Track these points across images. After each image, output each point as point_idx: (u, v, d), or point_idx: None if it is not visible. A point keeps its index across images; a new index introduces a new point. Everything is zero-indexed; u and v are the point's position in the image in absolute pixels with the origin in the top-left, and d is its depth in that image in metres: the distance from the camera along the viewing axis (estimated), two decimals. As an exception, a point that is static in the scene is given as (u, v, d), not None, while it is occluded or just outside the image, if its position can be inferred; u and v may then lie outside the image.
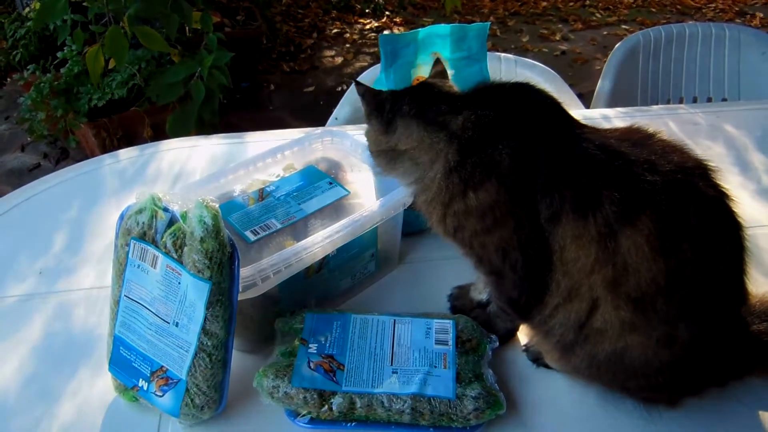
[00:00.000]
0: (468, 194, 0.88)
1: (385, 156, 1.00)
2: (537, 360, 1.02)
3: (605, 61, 2.13)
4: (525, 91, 0.94)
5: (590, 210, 0.82)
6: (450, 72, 1.16)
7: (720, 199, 0.85)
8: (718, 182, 0.86)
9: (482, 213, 0.88)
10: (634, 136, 0.89)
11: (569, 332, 0.89)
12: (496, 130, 0.88)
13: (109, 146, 3.03)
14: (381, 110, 0.98)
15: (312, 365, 0.93)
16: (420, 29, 1.16)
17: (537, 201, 0.85)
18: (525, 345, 1.05)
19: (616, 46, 2.12)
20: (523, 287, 0.91)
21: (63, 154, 3.36)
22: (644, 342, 0.84)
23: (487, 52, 1.22)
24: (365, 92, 1.01)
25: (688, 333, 0.84)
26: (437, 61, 1.06)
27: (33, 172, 3.25)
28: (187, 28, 2.99)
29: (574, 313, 0.87)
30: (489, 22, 1.20)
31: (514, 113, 0.90)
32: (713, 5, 5.58)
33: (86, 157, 3.09)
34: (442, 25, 1.16)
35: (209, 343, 0.88)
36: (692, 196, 0.83)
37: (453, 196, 0.90)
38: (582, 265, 0.83)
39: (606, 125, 1.50)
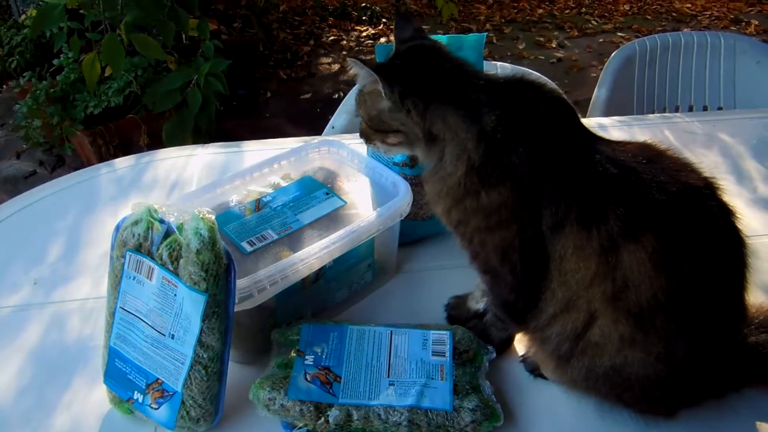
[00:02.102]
0: (481, 194, 0.87)
1: (403, 135, 0.94)
2: (534, 371, 1.02)
3: (601, 69, 2.13)
4: (544, 93, 0.92)
5: (595, 223, 0.81)
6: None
7: (725, 218, 0.85)
8: (724, 200, 0.86)
9: (488, 212, 0.88)
10: (647, 152, 0.89)
11: (565, 342, 0.89)
12: (520, 133, 0.87)
13: (105, 154, 3.02)
14: (415, 91, 0.90)
15: (308, 377, 0.93)
16: (417, 40, 1.15)
17: (542, 207, 0.85)
18: (522, 355, 1.04)
19: (612, 54, 2.12)
20: (520, 290, 0.91)
21: (59, 162, 3.35)
22: (643, 357, 0.84)
23: (484, 62, 1.22)
24: (387, 73, 0.91)
25: (686, 349, 0.84)
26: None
27: (29, 180, 3.23)
28: (183, 35, 2.99)
29: (570, 323, 0.87)
30: (485, 33, 1.20)
31: (537, 117, 0.89)
32: (708, 13, 5.60)
33: (82, 165, 3.11)
34: (439, 35, 1.16)
35: (205, 356, 0.87)
36: (698, 217, 0.83)
37: (467, 193, 0.89)
38: (581, 276, 0.83)
39: (602, 134, 1.49)
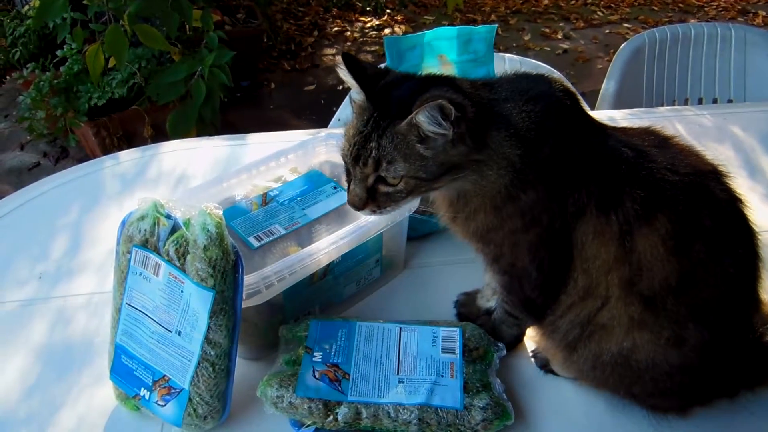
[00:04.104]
0: (520, 195, 0.85)
1: (456, 171, 0.84)
2: (544, 366, 1.01)
3: (607, 60, 2.12)
4: (551, 85, 0.89)
5: (612, 207, 0.81)
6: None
7: (734, 204, 0.86)
8: (732, 187, 0.86)
9: (524, 212, 0.86)
10: (653, 137, 0.89)
11: (575, 329, 0.89)
12: (545, 128, 0.85)
13: (109, 145, 3.01)
14: (480, 129, 0.83)
15: (317, 374, 0.92)
16: (426, 32, 1.14)
17: (567, 196, 0.84)
18: (533, 351, 1.03)
19: (621, 46, 2.10)
20: (544, 287, 0.90)
21: (63, 153, 3.34)
22: (653, 340, 0.83)
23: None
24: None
25: (698, 335, 0.83)
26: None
27: (33, 171, 3.22)
28: (187, 26, 2.96)
29: (585, 311, 0.87)
30: (496, 25, 1.19)
31: (553, 109, 0.87)
32: (716, 3, 5.54)
33: (86, 156, 3.09)
34: (448, 27, 1.14)
35: (212, 353, 0.86)
36: (707, 199, 0.83)
37: (509, 198, 0.85)
38: (602, 263, 0.83)
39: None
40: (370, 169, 0.85)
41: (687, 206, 0.81)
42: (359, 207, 0.89)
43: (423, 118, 0.78)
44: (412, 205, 1.05)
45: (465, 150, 0.82)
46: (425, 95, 0.81)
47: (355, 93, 0.89)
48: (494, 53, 1.44)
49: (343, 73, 0.87)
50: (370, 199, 0.88)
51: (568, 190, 0.84)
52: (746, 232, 0.86)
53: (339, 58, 0.87)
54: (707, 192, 0.84)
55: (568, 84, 0.92)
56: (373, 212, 0.89)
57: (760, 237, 0.88)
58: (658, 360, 0.84)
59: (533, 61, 1.93)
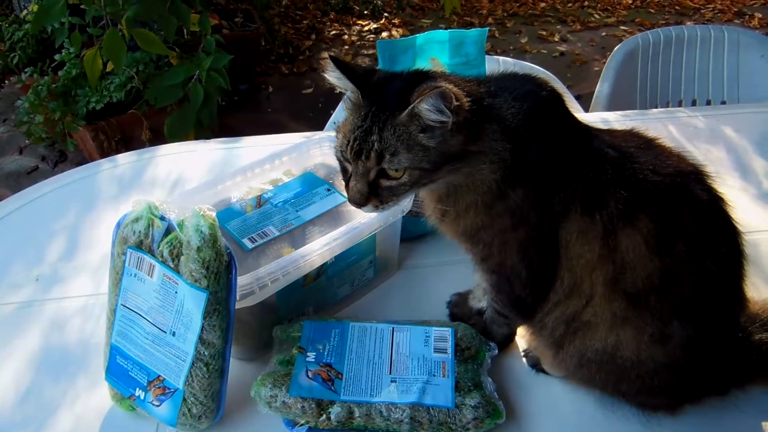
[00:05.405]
0: (509, 193, 0.85)
1: (457, 162, 0.84)
2: (536, 365, 1.02)
3: (604, 63, 2.12)
4: (537, 83, 0.90)
5: (597, 207, 0.83)
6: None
7: (715, 203, 0.87)
8: (713, 187, 0.88)
9: (514, 210, 0.87)
10: (637, 138, 0.90)
11: (560, 326, 0.90)
12: (533, 126, 0.85)
13: (107, 149, 3.02)
14: (474, 119, 0.83)
15: (310, 374, 0.92)
16: (418, 35, 1.15)
17: (552, 195, 0.85)
18: (524, 350, 1.04)
19: (615, 48, 2.11)
20: (533, 285, 0.91)
21: (61, 157, 3.35)
22: (637, 337, 0.84)
23: (486, 56, 1.22)
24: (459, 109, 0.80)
25: (682, 332, 0.84)
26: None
27: (31, 175, 3.23)
28: (185, 30, 2.97)
29: (571, 308, 0.88)
30: (487, 28, 1.20)
31: (540, 108, 0.87)
32: (712, 6, 5.56)
33: (84, 160, 3.10)
34: (441, 30, 1.16)
35: (206, 353, 0.87)
36: (687, 199, 0.84)
37: (499, 196, 0.86)
38: (586, 261, 0.84)
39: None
40: (373, 163, 0.84)
41: (668, 206, 0.83)
42: (361, 203, 0.87)
43: (425, 106, 0.78)
44: (405, 206, 1.06)
45: (462, 139, 0.82)
46: (422, 86, 0.81)
47: (349, 92, 0.88)
48: (489, 56, 1.46)
49: (334, 75, 0.86)
50: (372, 194, 0.86)
51: (554, 190, 0.85)
52: (729, 231, 0.87)
53: (328, 62, 0.86)
54: (688, 192, 0.85)
55: (555, 85, 0.92)
56: (375, 208, 0.88)
57: (749, 236, 0.89)
58: (643, 357, 0.85)
59: (526, 63, 1.94)
